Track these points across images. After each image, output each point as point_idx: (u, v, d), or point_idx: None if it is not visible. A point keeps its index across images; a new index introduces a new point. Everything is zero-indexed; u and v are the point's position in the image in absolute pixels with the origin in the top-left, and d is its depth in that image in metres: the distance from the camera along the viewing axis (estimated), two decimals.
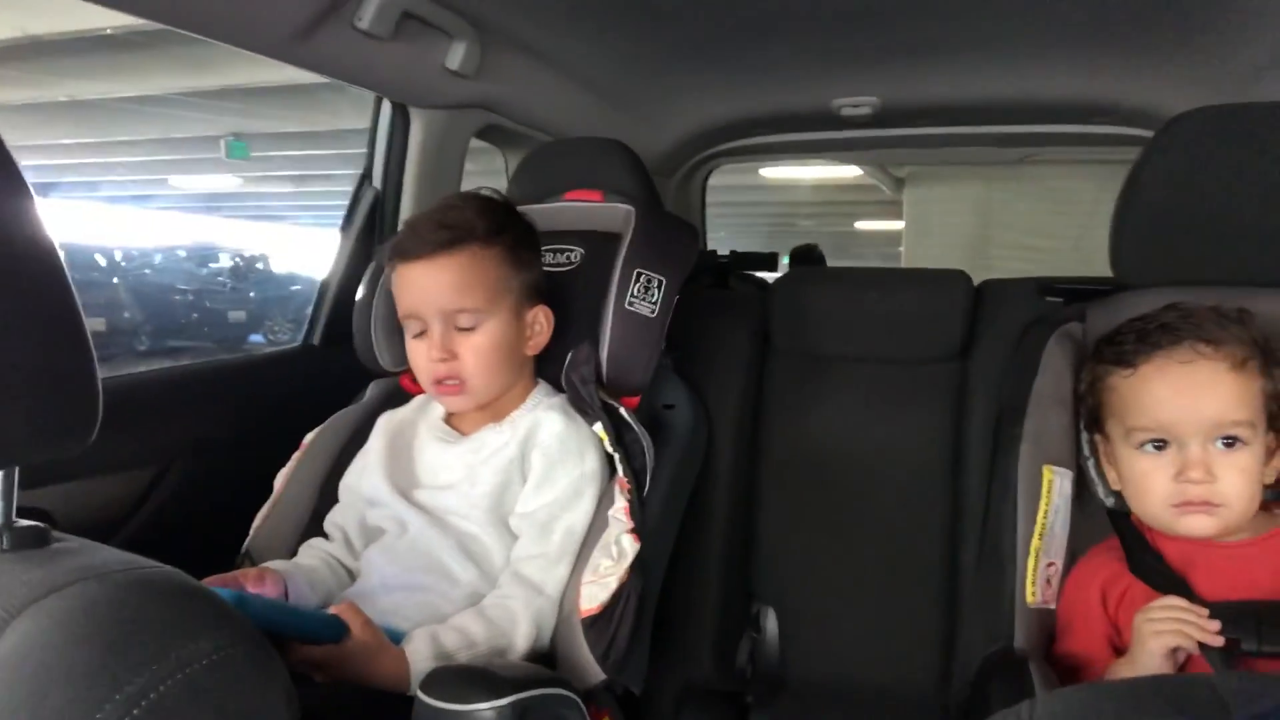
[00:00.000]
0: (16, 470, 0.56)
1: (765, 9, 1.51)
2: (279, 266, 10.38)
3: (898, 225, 9.36)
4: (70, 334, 0.55)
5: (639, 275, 1.22)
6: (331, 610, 0.94)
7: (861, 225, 12.16)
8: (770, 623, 1.56)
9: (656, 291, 1.22)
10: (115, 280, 8.84)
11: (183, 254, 10.15)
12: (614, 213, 1.36)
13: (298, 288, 9.90)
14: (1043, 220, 6.31)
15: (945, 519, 1.49)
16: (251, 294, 9.74)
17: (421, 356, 1.15)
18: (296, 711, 0.51)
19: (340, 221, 1.68)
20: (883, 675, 1.49)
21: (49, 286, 0.54)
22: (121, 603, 0.48)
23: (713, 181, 2.74)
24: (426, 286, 1.12)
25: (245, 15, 1.21)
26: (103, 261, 8.95)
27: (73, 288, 0.55)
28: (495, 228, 1.15)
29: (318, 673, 0.91)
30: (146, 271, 9.36)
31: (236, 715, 0.48)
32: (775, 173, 8.25)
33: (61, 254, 0.56)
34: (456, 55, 1.49)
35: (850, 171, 8.05)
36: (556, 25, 1.58)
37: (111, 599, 0.48)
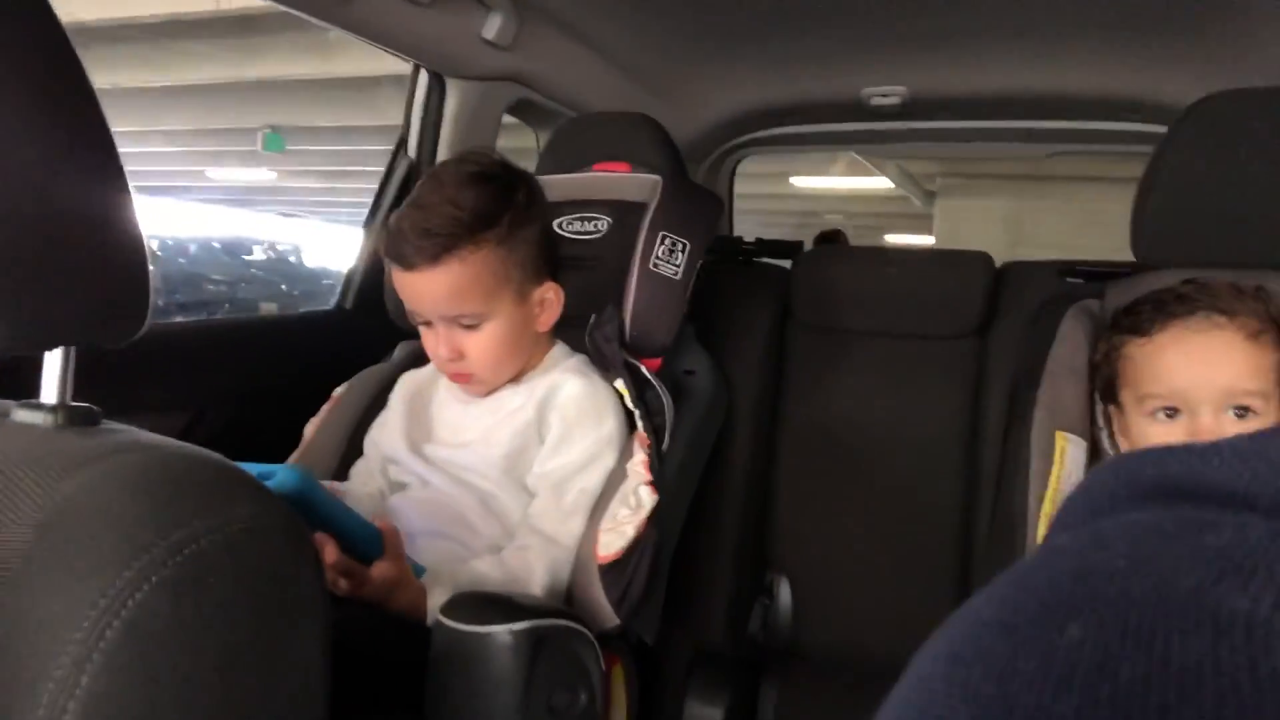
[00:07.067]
0: (73, 351, 0.59)
1: None
2: (311, 260, 10.51)
3: (927, 240, 9.34)
4: (124, 226, 0.58)
5: (664, 238, 1.25)
6: (379, 524, 0.97)
7: (891, 239, 12.16)
8: (783, 591, 1.58)
9: (680, 254, 1.24)
10: (150, 268, 8.97)
11: (217, 245, 10.30)
12: (641, 183, 1.38)
13: (329, 282, 10.03)
14: (1073, 236, 6.29)
15: (960, 492, 1.50)
16: (283, 286, 9.86)
17: (431, 347, 1.15)
18: (325, 580, 0.54)
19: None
20: (894, 644, 1.49)
21: (104, 179, 0.57)
22: (167, 468, 0.51)
23: (740, 189, 2.76)
24: (420, 295, 1.10)
25: None
26: None
27: (129, 181, 0.58)
28: (484, 219, 1.08)
29: (342, 581, 0.94)
30: (181, 261, 9.50)
31: (270, 576, 0.51)
32: (806, 182, 8.27)
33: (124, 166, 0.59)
34: (493, 25, 1.51)
35: (881, 183, 8.05)
36: (590, 2, 1.61)
37: (158, 464, 0.51)
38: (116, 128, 0.58)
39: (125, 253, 0.58)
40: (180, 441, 0.56)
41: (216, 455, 0.55)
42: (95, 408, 0.59)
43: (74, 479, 0.49)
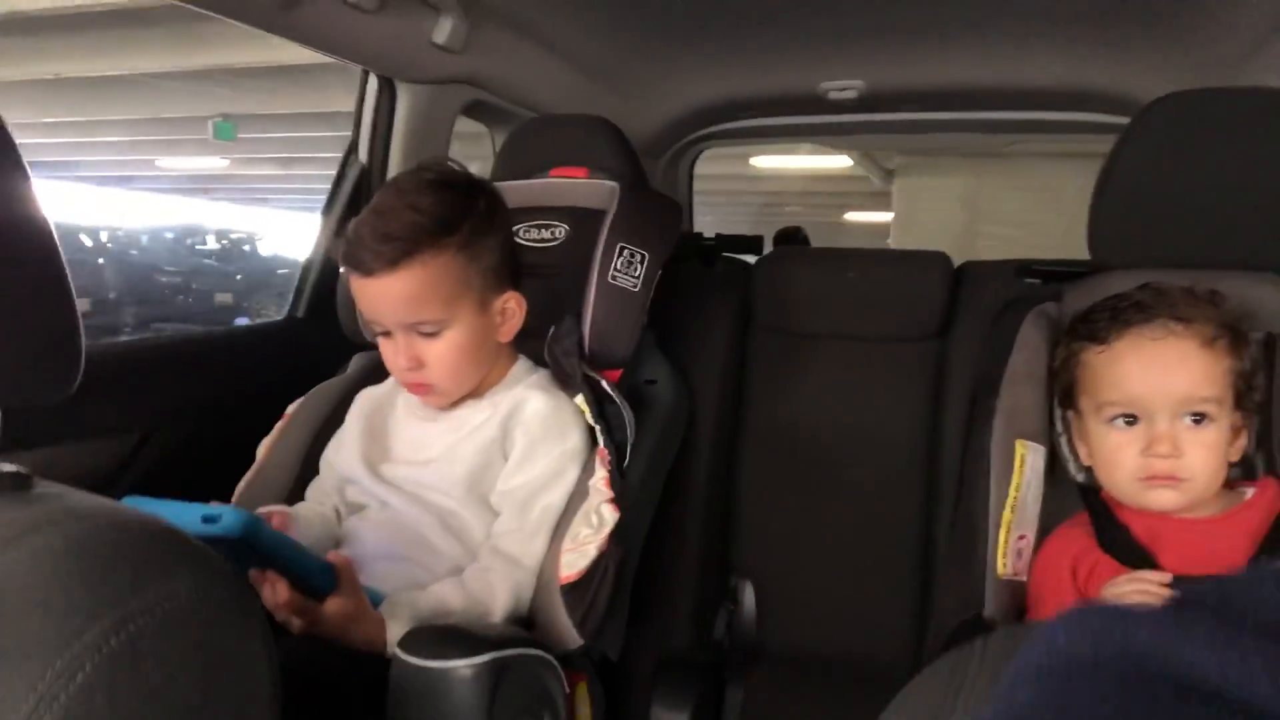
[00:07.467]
0: (1, 415, 0.56)
1: None
2: (266, 249, 10.34)
3: (886, 217, 9.38)
4: (53, 284, 0.55)
5: (622, 249, 1.23)
6: (330, 557, 0.94)
7: (851, 216, 12.18)
8: (747, 596, 1.58)
9: (639, 266, 1.23)
10: (101, 261, 8.80)
11: (170, 235, 10.09)
12: (599, 189, 1.36)
13: (284, 271, 9.86)
14: (1031, 212, 6.33)
15: (921, 494, 1.51)
16: (238, 276, 9.69)
17: (390, 357, 1.13)
18: (274, 652, 0.53)
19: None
20: (857, 646, 1.52)
21: (31, 238, 0.55)
22: (101, 541, 0.49)
23: (701, 169, 2.73)
24: (379, 302, 1.08)
25: None
26: (89, 242, 8.92)
27: (56, 241, 0.56)
28: (445, 224, 1.06)
29: (295, 620, 0.92)
30: (133, 252, 9.30)
31: (214, 652, 0.49)
32: (765, 162, 8.25)
33: (50, 220, 0.56)
34: (444, 29, 1.48)
35: (840, 162, 8.06)
36: (543, 2, 1.58)
37: (92, 537, 0.49)
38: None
39: (52, 307, 0.56)
40: (117, 504, 0.54)
41: (155, 519, 0.53)
42: (26, 472, 0.57)
43: (4, 557, 0.47)
